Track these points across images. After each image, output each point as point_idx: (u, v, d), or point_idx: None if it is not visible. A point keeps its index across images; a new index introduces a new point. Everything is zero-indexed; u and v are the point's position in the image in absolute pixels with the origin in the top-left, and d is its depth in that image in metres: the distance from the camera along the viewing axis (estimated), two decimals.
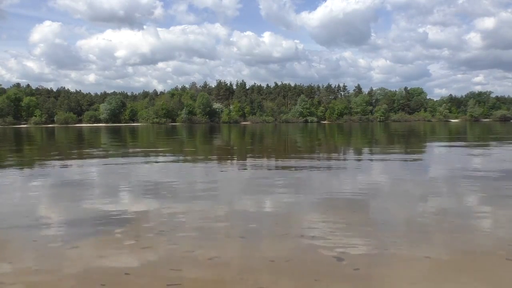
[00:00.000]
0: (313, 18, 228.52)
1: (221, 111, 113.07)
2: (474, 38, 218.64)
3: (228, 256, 3.83)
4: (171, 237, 4.39)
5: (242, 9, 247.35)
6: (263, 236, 4.47)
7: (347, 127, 60.04)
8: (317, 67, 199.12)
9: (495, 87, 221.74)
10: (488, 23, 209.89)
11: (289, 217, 5.26)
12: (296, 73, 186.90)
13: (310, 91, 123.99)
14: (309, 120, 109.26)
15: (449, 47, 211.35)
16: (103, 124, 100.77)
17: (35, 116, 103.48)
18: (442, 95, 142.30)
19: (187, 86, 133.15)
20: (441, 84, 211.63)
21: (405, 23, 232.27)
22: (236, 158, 13.99)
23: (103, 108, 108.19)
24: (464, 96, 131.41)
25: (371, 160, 12.72)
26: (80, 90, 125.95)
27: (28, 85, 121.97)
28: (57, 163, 12.29)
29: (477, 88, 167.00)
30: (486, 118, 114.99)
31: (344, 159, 13.08)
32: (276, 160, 12.90)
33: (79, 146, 21.52)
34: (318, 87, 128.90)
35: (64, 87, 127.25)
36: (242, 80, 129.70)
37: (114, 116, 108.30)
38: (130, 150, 17.68)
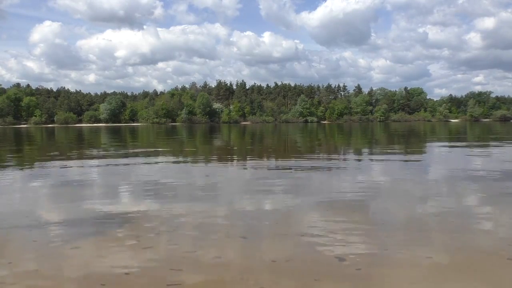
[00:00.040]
0: (313, 18, 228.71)
1: (221, 111, 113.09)
2: (474, 38, 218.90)
3: (229, 256, 3.82)
4: (171, 237, 4.38)
5: (242, 9, 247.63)
6: (264, 236, 4.46)
7: (347, 127, 60.04)
8: (317, 67, 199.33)
9: (495, 87, 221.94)
10: (488, 23, 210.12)
11: (290, 217, 5.25)
12: (296, 73, 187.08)
13: (310, 91, 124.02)
14: (309, 120, 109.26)
15: (449, 47, 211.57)
16: (103, 124, 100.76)
17: (35, 116, 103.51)
18: (442, 95, 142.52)
19: (187, 86, 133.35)
20: (441, 84, 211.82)
21: (405, 23, 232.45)
22: (236, 158, 13.98)
23: (103, 108, 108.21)
24: (464, 96, 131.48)
25: (371, 160, 12.72)
26: (80, 90, 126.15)
27: (28, 85, 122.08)
28: (57, 163, 12.28)
29: (477, 88, 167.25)
30: (486, 118, 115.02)
31: (344, 159, 13.08)
32: (276, 160, 12.90)
33: (79, 146, 21.52)
34: (318, 87, 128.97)
35: (64, 87, 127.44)
36: (242, 80, 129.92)
37: (114, 116, 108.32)
38: (130, 150, 17.67)
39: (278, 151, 16.71)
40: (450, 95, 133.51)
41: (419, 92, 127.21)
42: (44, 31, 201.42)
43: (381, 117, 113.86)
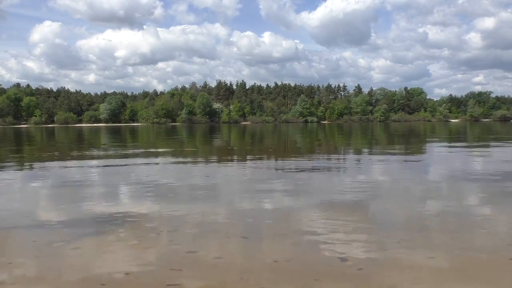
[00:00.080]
0: (313, 18, 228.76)
1: (221, 111, 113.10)
2: (474, 38, 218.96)
3: (229, 256, 3.82)
4: (171, 238, 4.38)
5: (242, 9, 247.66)
6: (265, 236, 4.46)
7: (347, 127, 60.04)
8: (317, 67, 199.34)
9: (495, 87, 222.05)
10: (488, 23, 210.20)
11: (290, 217, 5.25)
12: (296, 73, 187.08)
13: (310, 91, 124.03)
14: (309, 120, 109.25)
15: (449, 47, 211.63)
16: (103, 124, 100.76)
17: (35, 116, 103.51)
18: (442, 95, 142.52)
19: (187, 86, 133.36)
20: (441, 84, 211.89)
21: (405, 23, 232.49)
22: (236, 159, 13.98)
23: (103, 108, 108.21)
24: (464, 96, 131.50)
25: (372, 160, 12.71)
26: (80, 90, 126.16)
27: (28, 85, 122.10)
28: (57, 163, 12.28)
29: (477, 88, 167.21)
30: (486, 118, 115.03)
31: (344, 160, 13.07)
32: (276, 161, 12.89)
33: (79, 146, 21.51)
34: (318, 87, 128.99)
35: (64, 87, 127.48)
36: (242, 80, 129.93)
37: (114, 116, 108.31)
38: (130, 151, 17.67)
39: (278, 151, 16.70)
40: (450, 95, 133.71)
41: (419, 92, 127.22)
42: (44, 31, 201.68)
43: (381, 117, 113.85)
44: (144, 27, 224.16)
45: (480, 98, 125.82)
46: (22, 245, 4.23)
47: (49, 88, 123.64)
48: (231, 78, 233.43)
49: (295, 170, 9.90)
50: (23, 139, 30.37)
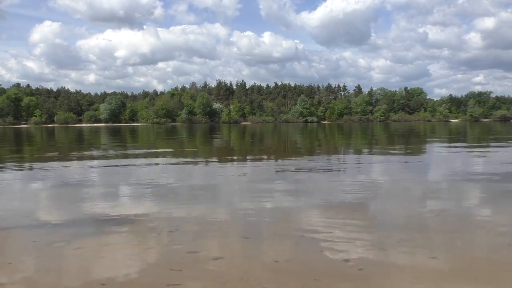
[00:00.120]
0: (313, 18, 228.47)
1: (221, 111, 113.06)
2: (474, 38, 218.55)
3: (229, 256, 3.82)
4: (172, 238, 4.38)
5: (242, 9, 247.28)
6: (265, 237, 4.46)
7: (347, 127, 60.04)
8: (317, 67, 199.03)
9: (495, 87, 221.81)
10: (488, 23, 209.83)
11: (291, 217, 5.25)
12: (296, 73, 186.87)
13: (310, 91, 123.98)
14: (309, 120, 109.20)
15: (449, 47, 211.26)
16: (103, 124, 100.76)
17: (35, 116, 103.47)
18: (442, 95, 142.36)
19: (187, 86, 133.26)
20: (441, 84, 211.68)
21: (405, 23, 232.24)
22: (237, 159, 13.98)
23: (103, 108, 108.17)
24: (464, 96, 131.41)
25: (372, 160, 12.71)
26: (80, 90, 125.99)
27: (28, 85, 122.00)
28: (58, 163, 12.28)
29: (477, 88, 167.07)
30: (486, 118, 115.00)
31: (345, 160, 13.07)
32: (276, 161, 12.89)
33: (80, 146, 21.51)
34: (318, 87, 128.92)
35: (64, 87, 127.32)
36: (242, 80, 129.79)
37: (114, 116, 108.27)
38: (131, 151, 17.67)
39: (278, 151, 16.70)
40: (450, 95, 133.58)
41: (419, 92, 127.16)
42: (44, 31, 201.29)
43: (381, 117, 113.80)
44: (144, 27, 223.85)
45: (480, 98, 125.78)
46: (22, 245, 4.23)
47: (49, 88, 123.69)
48: (231, 78, 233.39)
49: (295, 170, 9.90)
50: (23, 139, 30.37)
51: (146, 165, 11.55)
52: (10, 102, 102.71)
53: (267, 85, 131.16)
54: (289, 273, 3.42)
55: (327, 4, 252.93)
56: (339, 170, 9.91)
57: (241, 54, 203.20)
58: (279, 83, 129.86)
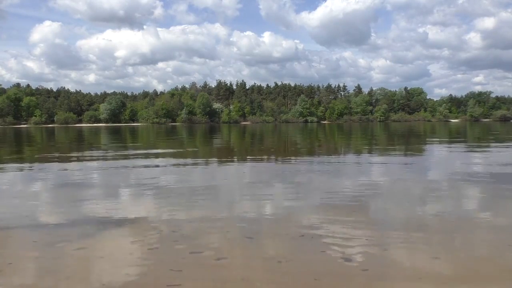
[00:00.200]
0: (313, 18, 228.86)
1: (221, 111, 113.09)
2: (474, 38, 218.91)
3: (230, 257, 3.81)
4: (172, 238, 4.37)
5: (242, 9, 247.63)
6: (265, 237, 4.45)
7: (347, 127, 60.04)
8: (317, 67, 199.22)
9: (495, 87, 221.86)
10: (488, 23, 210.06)
11: (291, 217, 5.24)
12: (296, 73, 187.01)
13: (310, 91, 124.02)
14: (309, 120, 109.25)
15: (449, 47, 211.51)
16: (103, 124, 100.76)
17: (35, 116, 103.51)
18: (442, 95, 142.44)
19: (187, 86, 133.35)
20: (441, 84, 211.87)
21: (405, 23, 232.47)
22: (237, 159, 13.98)
23: (103, 108, 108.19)
24: (464, 96, 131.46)
25: (372, 160, 12.71)
26: (80, 90, 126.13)
27: (28, 85, 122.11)
28: (58, 163, 12.27)
29: (477, 88, 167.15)
30: (486, 118, 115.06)
31: (345, 160, 13.07)
32: (276, 161, 12.89)
33: (80, 146, 21.51)
34: (318, 87, 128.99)
35: (64, 87, 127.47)
36: (242, 80, 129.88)
37: (114, 116, 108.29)
38: (131, 151, 17.67)
39: (278, 152, 16.70)
40: (450, 95, 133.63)
41: (419, 92, 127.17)
42: (44, 31, 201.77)
43: (381, 117, 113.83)
44: (144, 27, 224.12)
45: (480, 98, 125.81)
46: (22, 246, 4.22)
47: (49, 88, 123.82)
48: (231, 78, 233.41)
49: (295, 170, 9.90)
50: (23, 139, 30.37)
51: (146, 165, 11.55)
52: (10, 102, 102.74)
53: (267, 85, 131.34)
54: (290, 273, 3.41)
55: (327, 4, 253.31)
56: (339, 170, 9.90)
57: (241, 54, 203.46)
58: (279, 83, 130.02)
